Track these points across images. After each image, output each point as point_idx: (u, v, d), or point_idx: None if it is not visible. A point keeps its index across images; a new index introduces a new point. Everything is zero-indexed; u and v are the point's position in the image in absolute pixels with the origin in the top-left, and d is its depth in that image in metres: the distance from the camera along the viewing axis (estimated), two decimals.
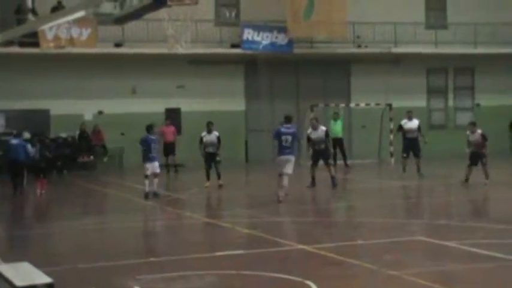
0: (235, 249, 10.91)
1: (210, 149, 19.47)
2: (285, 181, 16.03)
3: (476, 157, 18.58)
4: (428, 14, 31.88)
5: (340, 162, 25.00)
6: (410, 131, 21.50)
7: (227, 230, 13.11)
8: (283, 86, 29.50)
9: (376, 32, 29.50)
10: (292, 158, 16.25)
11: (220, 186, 19.36)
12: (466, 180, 18.63)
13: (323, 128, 18.94)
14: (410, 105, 29.98)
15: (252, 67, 28.85)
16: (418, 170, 20.86)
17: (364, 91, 29.66)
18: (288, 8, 28.11)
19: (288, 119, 16.72)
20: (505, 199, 16.98)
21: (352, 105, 28.71)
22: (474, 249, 10.20)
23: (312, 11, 28.10)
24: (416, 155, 21.11)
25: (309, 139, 18.86)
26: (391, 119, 27.12)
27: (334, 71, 30.26)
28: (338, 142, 25.20)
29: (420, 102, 31.28)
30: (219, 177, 19.49)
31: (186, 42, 17.53)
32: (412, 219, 14.05)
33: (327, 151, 18.67)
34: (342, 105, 27.76)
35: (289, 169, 16.16)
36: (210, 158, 19.51)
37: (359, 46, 29.91)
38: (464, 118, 28.97)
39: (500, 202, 16.73)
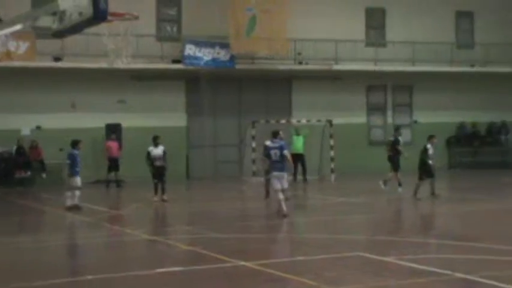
0: (176, 266, 10.79)
1: (158, 163, 19.68)
2: (281, 196, 16.12)
3: (432, 170, 19.08)
4: (369, 32, 32.38)
5: (299, 177, 25.70)
6: None
7: (167, 247, 12.97)
8: (225, 102, 29.50)
9: (318, 49, 29.79)
10: (284, 174, 16.30)
11: (164, 201, 19.49)
12: (433, 193, 19.22)
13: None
14: (351, 121, 30.39)
15: (194, 83, 28.76)
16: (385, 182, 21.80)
17: (305, 107, 29.89)
18: (230, 24, 28.17)
19: (274, 134, 16.83)
20: (444, 214, 17.31)
21: (293, 121, 28.87)
22: (412, 265, 10.32)
23: (254, 27, 28.25)
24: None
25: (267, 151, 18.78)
26: (331, 136, 27.34)
27: (275, 87, 30.42)
28: (299, 158, 25.39)
29: (360, 118, 31.69)
30: (163, 192, 19.67)
31: (126, 57, 17.32)
32: (353, 235, 14.14)
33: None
34: (283, 121, 27.85)
35: (284, 183, 16.27)
36: (158, 172, 19.60)
37: (300, 63, 30.16)
38: (402, 135, 29.32)
39: (440, 217, 17.03)
